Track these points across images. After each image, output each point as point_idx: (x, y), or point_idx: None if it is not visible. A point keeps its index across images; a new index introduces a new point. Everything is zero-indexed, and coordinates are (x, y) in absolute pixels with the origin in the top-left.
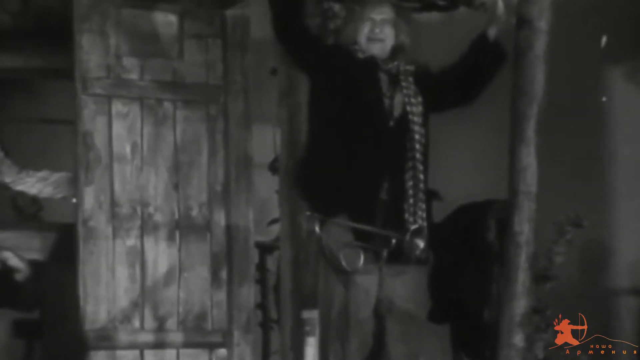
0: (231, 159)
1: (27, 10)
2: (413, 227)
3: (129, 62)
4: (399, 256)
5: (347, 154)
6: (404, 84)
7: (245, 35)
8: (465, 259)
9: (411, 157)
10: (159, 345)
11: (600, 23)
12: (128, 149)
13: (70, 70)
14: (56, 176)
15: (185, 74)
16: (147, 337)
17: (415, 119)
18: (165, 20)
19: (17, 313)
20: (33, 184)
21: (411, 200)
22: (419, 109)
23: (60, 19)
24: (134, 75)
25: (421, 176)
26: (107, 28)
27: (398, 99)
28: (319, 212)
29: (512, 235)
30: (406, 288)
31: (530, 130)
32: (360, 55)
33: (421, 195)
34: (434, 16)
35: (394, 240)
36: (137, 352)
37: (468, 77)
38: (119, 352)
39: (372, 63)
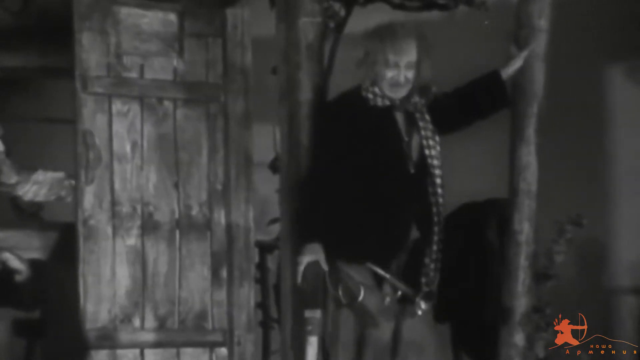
0: (231, 158)
1: (28, 9)
2: (425, 290)
3: (129, 60)
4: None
5: (372, 207)
6: (420, 123)
7: (246, 34)
8: (466, 257)
9: (435, 201)
10: (160, 344)
11: (600, 22)
12: (128, 148)
13: (71, 69)
14: (49, 177)
15: (186, 73)
16: (148, 337)
17: (435, 162)
18: (166, 19)
19: (18, 312)
20: (29, 189)
21: (434, 247)
22: (437, 149)
23: (60, 17)
24: (134, 74)
25: (443, 219)
26: (107, 27)
27: (415, 140)
28: (343, 261)
29: (512, 234)
30: (414, 321)
31: (531, 130)
32: (379, 103)
33: (442, 236)
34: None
35: (399, 292)
36: (137, 352)
37: (465, 107)
38: (120, 352)
39: (389, 110)
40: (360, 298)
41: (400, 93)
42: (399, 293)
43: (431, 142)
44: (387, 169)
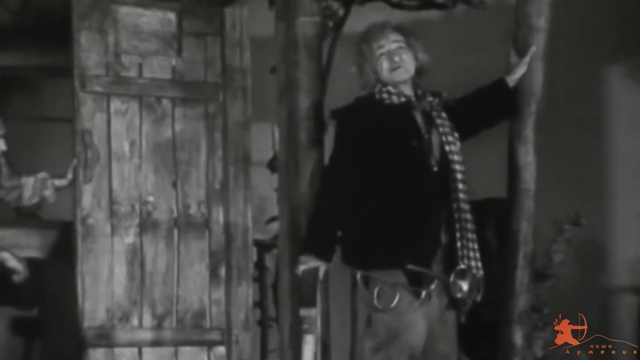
0: (230, 157)
1: (28, 9)
2: (458, 268)
3: (127, 59)
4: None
5: (400, 209)
6: (438, 121)
7: (245, 34)
8: None
9: (455, 198)
10: (157, 343)
11: (600, 21)
12: (127, 147)
13: (70, 68)
14: (31, 179)
15: (184, 72)
16: (146, 335)
17: (456, 157)
18: (164, 18)
19: (16, 311)
20: (17, 193)
21: (459, 243)
22: (457, 146)
23: (59, 17)
24: (132, 73)
25: (468, 216)
26: (106, 26)
27: (435, 139)
28: (375, 269)
29: (511, 234)
30: (442, 327)
31: (529, 129)
32: (396, 101)
33: (470, 235)
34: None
35: (434, 283)
36: (135, 350)
37: (472, 116)
38: (117, 350)
39: (406, 107)
40: (395, 303)
41: (403, 76)
42: (433, 287)
43: (450, 138)
44: (412, 167)
